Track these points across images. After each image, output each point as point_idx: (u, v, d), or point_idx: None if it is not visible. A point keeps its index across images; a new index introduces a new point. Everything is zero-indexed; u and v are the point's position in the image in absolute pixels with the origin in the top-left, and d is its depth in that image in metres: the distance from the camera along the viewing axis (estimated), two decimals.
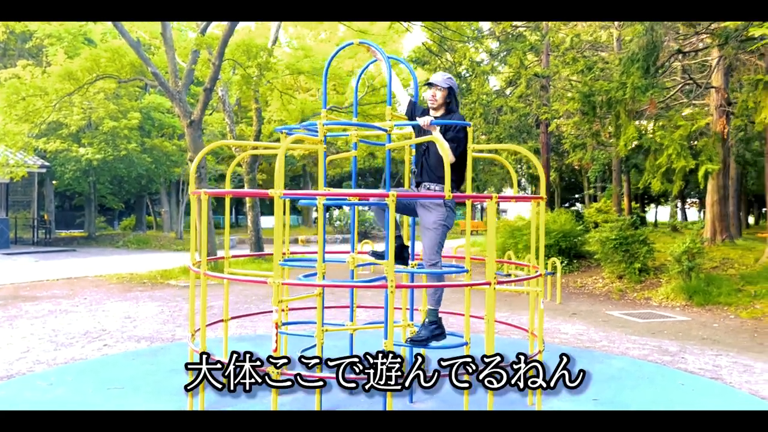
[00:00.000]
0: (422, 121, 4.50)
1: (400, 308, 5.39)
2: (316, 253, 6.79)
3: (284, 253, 5.60)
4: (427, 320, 4.64)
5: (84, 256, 22.39)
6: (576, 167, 30.82)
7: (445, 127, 4.57)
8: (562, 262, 13.89)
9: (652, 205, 43.07)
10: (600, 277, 13.92)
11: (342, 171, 42.31)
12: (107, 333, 8.48)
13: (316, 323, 5.72)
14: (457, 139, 4.54)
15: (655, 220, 39.71)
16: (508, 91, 20.25)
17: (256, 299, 11.47)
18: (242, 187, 37.45)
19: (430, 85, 4.78)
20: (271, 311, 5.47)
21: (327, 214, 39.37)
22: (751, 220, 41.00)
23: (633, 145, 14.05)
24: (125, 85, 22.07)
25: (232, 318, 6.11)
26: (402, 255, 4.98)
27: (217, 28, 19.08)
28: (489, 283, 4.17)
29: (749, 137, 18.04)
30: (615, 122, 12.85)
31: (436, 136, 4.37)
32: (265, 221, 32.03)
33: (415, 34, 38.83)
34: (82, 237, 30.06)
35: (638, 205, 37.10)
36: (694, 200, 45.34)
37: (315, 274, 5.06)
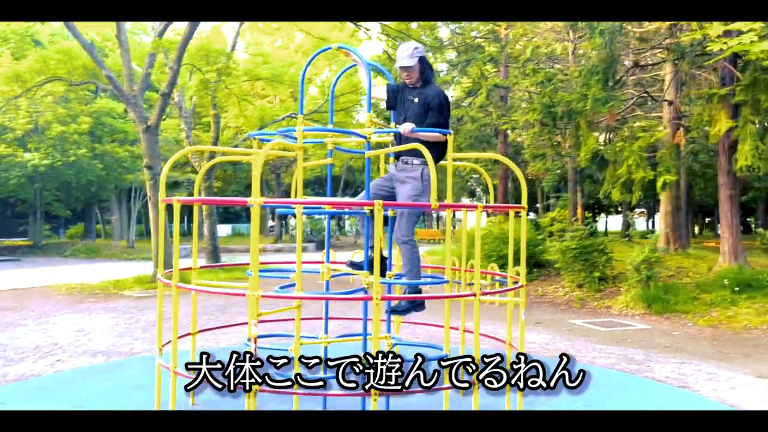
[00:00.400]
0: (403, 128, 4.42)
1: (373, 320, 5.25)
2: (285, 263, 6.61)
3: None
4: (407, 291, 4.58)
5: (29, 266, 21.48)
6: (531, 177, 31.31)
7: (426, 107, 4.57)
8: (517, 273, 13.99)
9: (602, 215, 44.14)
10: (560, 285, 14.06)
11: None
12: (59, 347, 8.07)
13: (286, 336, 5.55)
14: (439, 124, 4.57)
15: (606, 230, 40.63)
16: (467, 102, 20.39)
17: (215, 310, 11.15)
18: (192, 194, 36.74)
19: (401, 68, 4.69)
20: (238, 324, 5.31)
21: (285, 222, 38.92)
22: (696, 230, 42.41)
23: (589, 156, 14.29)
24: (75, 88, 21.35)
25: (201, 331, 5.86)
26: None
27: (172, 31, 18.66)
28: (474, 294, 4.08)
29: (698, 149, 18.62)
30: (575, 133, 13.04)
31: (418, 134, 4.38)
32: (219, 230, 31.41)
33: (374, 42, 38.89)
34: (27, 246, 28.89)
35: (590, 214, 37.95)
36: (641, 210, 46.66)
37: (291, 285, 4.88)
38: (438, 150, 4.50)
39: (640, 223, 49.73)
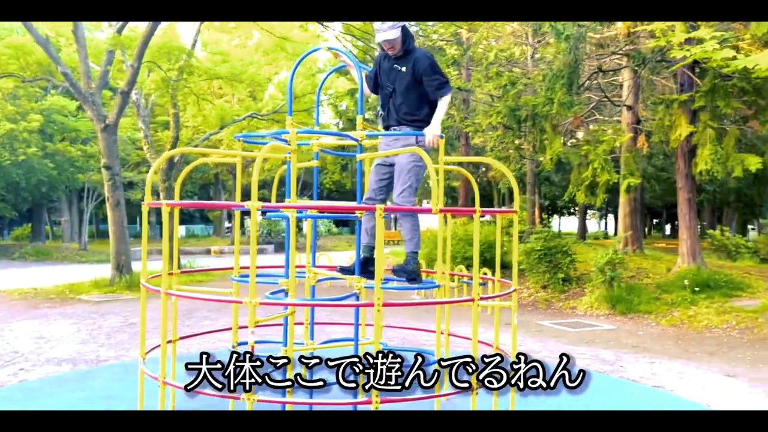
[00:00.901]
0: (429, 141, 4.34)
1: (361, 324, 5.19)
2: (268, 267, 6.48)
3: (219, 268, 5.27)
4: (407, 261, 4.51)
5: None
6: (489, 180, 31.68)
7: (417, 74, 4.46)
8: (485, 274, 14.12)
9: (554, 216, 45.10)
10: (524, 287, 14.23)
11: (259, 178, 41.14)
12: (21, 356, 7.73)
13: (272, 342, 5.43)
14: (440, 84, 4.48)
15: (559, 231, 41.50)
16: None
17: (180, 315, 10.87)
18: (153, 195, 35.82)
19: (385, 41, 4.54)
20: (221, 329, 5.16)
21: (242, 223, 38.29)
22: (645, 231, 43.68)
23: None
24: (25, 85, 20.55)
25: (183, 338, 5.69)
26: (367, 268, 4.80)
27: (128, 29, 18.13)
28: (473, 300, 4.07)
29: (652, 153, 19.14)
30: (540, 136, 13.22)
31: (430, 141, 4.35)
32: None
33: (333, 42, 38.50)
34: None
35: (546, 216, 38.67)
36: (593, 212, 47.85)
37: (280, 291, 4.78)
38: (428, 113, 4.52)
39: (592, 225, 50.88)
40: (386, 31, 4.43)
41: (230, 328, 5.58)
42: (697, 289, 11.62)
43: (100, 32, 21.42)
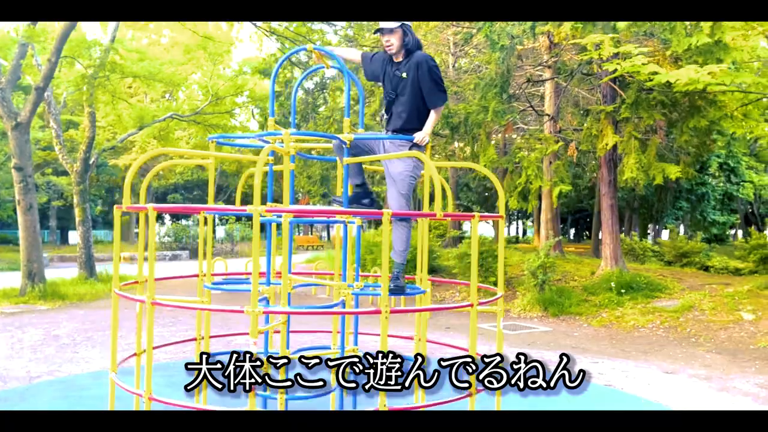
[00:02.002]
0: (420, 139, 4.39)
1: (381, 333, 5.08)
2: (238, 274, 6.20)
3: (204, 274, 5.02)
4: (395, 275, 4.48)
5: None
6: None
7: (417, 81, 4.43)
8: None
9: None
10: (457, 290, 14.48)
11: (167, 183, 39.86)
12: None
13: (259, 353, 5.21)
14: (440, 91, 4.48)
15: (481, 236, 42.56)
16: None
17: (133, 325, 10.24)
18: (60, 197, 33.59)
19: (380, 31, 4.50)
20: (183, 340, 4.91)
21: (160, 227, 36.71)
22: None
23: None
24: None
25: (158, 347, 5.33)
26: (360, 201, 4.76)
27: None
28: (471, 305, 4.07)
29: (569, 161, 20.04)
30: (473, 143, 13.50)
31: (422, 152, 4.37)
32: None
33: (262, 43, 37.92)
34: None
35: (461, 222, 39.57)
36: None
37: (263, 299, 4.59)
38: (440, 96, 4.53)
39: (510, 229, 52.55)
40: (386, 25, 4.38)
41: (194, 338, 5.32)
42: (623, 291, 12.23)
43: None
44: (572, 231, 52.54)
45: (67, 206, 34.02)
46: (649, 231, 40.06)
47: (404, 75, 4.47)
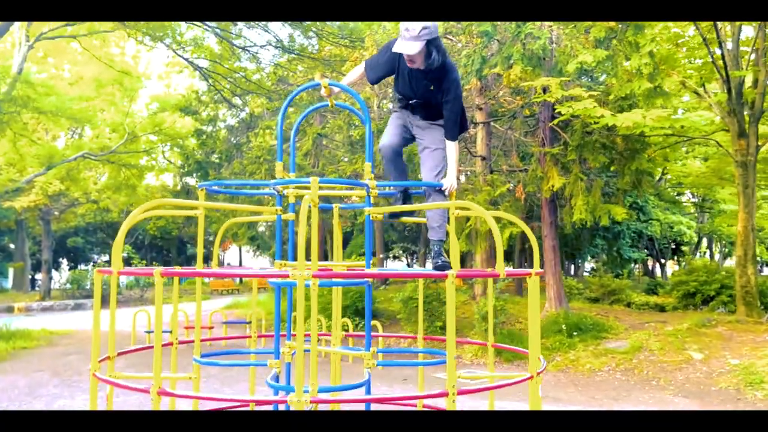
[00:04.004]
0: (448, 186, 4.09)
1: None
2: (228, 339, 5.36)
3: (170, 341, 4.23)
4: (436, 254, 4.10)
5: None
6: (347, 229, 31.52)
7: (443, 96, 4.03)
8: (357, 324, 13.67)
9: (389, 261, 46.17)
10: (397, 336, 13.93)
11: (66, 225, 36.96)
12: None
13: None
14: (458, 110, 4.10)
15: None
16: None
17: (22, 393, 8.92)
18: None
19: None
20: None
21: (50, 276, 33.85)
22: None
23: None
24: None
25: None
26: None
27: None
28: (532, 377, 3.56)
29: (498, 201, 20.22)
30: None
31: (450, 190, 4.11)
32: None
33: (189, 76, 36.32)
34: None
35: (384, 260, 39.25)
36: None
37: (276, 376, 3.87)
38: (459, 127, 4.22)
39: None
40: (407, 42, 3.75)
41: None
42: (575, 333, 12.13)
43: None
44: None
45: None
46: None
47: (432, 88, 4.03)
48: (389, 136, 4.29)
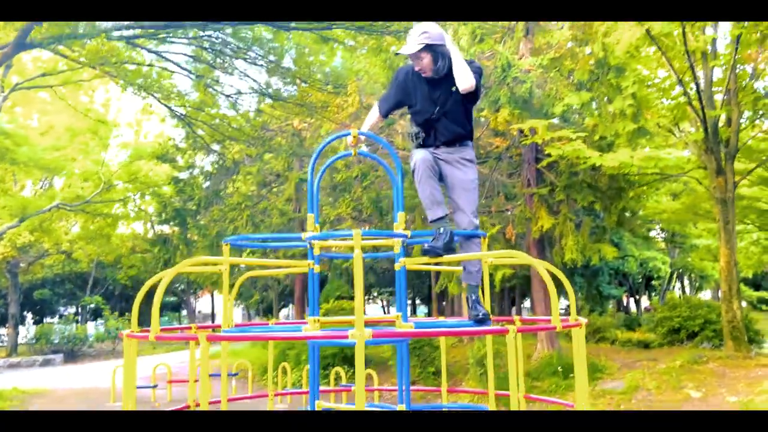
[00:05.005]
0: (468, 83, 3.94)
1: None
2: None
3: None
4: (474, 301, 3.93)
5: None
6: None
7: (460, 95, 3.96)
8: (347, 371, 13.35)
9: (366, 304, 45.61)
10: (390, 383, 13.64)
11: (33, 277, 35.71)
12: None
13: None
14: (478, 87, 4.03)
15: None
16: (269, 192, 19.63)
17: None
18: None
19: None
20: None
21: (17, 330, 32.60)
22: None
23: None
24: None
25: None
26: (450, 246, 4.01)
27: None
28: None
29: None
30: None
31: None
32: None
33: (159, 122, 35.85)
34: None
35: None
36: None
37: None
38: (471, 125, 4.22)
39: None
40: (408, 44, 3.90)
41: None
42: (572, 375, 11.99)
43: None
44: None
45: None
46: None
47: (454, 89, 3.97)
48: (422, 154, 4.04)
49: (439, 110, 4.01)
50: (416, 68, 3.96)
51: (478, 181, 4.13)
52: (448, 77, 3.95)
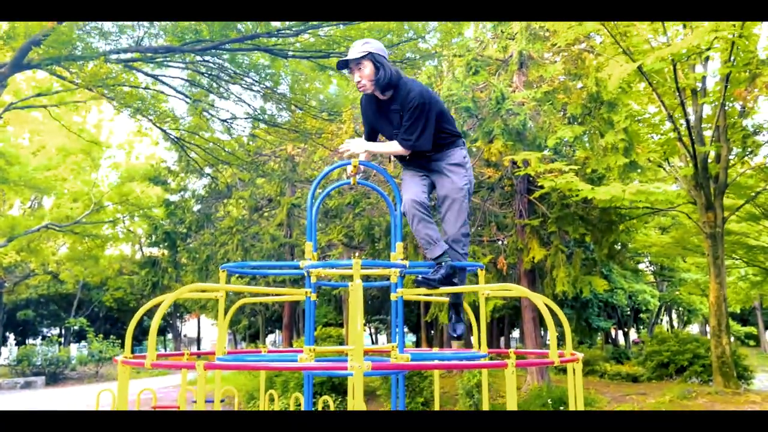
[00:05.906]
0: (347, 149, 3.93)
1: None
2: None
3: None
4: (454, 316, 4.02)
5: None
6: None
7: (401, 111, 3.81)
8: (335, 400, 13.20)
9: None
10: None
11: (17, 298, 35.20)
12: None
13: None
14: (422, 129, 3.80)
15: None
16: (260, 218, 19.60)
17: None
18: None
19: (344, 68, 3.89)
20: None
21: (7, 349, 32.06)
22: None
23: None
24: None
25: None
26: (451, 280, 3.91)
27: None
28: None
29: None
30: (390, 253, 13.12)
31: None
32: None
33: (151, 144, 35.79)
34: None
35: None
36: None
37: None
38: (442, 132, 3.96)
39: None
40: (350, 52, 3.80)
41: None
42: (561, 408, 11.92)
43: None
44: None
45: None
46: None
47: (401, 113, 3.84)
48: (410, 191, 3.92)
49: (396, 131, 3.90)
50: (355, 81, 3.84)
51: (470, 184, 3.96)
52: (394, 96, 3.86)
